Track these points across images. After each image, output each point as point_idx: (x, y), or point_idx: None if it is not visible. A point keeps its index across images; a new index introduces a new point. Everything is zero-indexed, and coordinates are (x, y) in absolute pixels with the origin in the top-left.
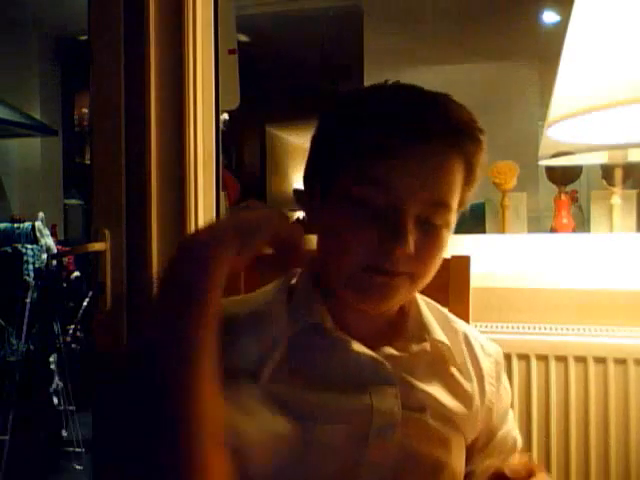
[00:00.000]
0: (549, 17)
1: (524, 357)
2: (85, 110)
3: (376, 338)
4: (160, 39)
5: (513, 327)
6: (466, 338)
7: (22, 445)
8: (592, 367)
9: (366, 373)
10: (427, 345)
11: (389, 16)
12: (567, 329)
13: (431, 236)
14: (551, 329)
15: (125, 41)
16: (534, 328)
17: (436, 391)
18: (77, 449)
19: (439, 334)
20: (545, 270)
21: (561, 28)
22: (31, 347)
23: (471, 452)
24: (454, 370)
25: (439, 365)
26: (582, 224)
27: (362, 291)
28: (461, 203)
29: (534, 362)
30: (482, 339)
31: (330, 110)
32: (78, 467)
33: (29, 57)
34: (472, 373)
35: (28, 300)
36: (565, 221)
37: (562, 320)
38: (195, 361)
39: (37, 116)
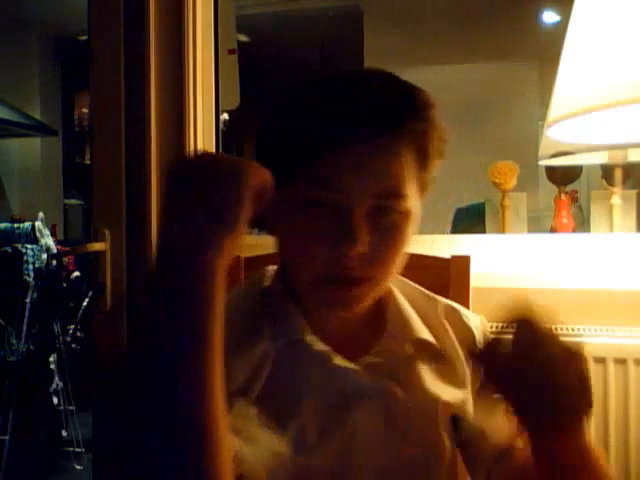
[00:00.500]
0: (549, 17)
1: None
2: (85, 110)
3: (358, 343)
4: (160, 39)
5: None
6: (447, 311)
7: (22, 445)
8: (592, 367)
9: (348, 387)
10: (409, 346)
11: (389, 16)
12: (567, 329)
13: (389, 230)
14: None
15: (125, 41)
16: None
17: (425, 389)
18: (77, 449)
19: (421, 332)
20: (545, 270)
21: (561, 28)
22: (31, 347)
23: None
24: (441, 360)
25: (425, 361)
26: (582, 224)
27: (326, 305)
28: (422, 187)
29: None
30: (464, 310)
31: (268, 108)
32: (78, 467)
33: (29, 57)
34: (459, 350)
35: (28, 300)
36: (565, 221)
37: (562, 320)
38: (203, 355)
39: (37, 116)
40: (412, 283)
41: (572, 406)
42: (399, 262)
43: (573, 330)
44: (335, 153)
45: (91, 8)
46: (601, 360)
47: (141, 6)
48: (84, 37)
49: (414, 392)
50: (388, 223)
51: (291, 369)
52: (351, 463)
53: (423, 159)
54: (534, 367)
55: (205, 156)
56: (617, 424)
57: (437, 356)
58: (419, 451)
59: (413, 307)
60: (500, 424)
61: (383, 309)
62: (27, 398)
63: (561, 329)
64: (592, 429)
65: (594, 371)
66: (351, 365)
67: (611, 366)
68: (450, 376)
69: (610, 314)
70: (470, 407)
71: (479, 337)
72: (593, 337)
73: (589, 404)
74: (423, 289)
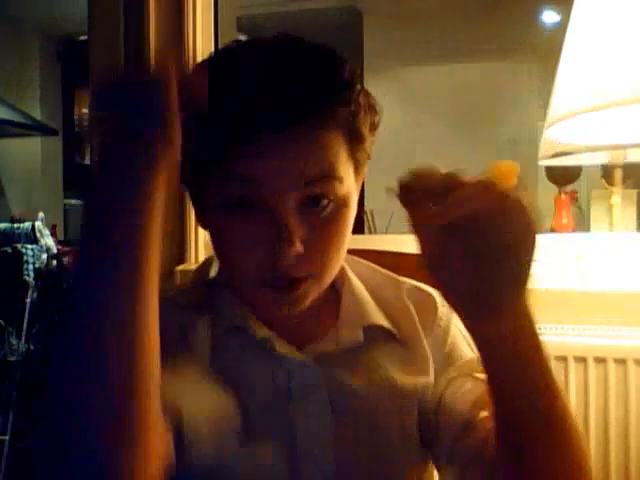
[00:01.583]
0: (549, 17)
1: None
2: (85, 110)
3: (307, 330)
4: (160, 39)
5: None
6: (412, 293)
7: (22, 445)
8: (592, 367)
9: (291, 377)
10: (360, 335)
11: (389, 16)
12: (567, 329)
13: (327, 222)
14: (551, 329)
15: (125, 41)
16: None
17: (380, 377)
18: None
19: (375, 317)
20: (545, 270)
21: (561, 28)
22: (31, 347)
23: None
24: (398, 346)
25: (380, 348)
26: (582, 224)
27: (269, 307)
28: (357, 168)
29: None
30: (433, 291)
31: None
32: None
33: (29, 57)
34: (421, 333)
35: (28, 300)
36: (565, 221)
37: (562, 320)
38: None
39: (37, 116)
40: (375, 266)
41: (512, 287)
42: (343, 253)
43: (573, 330)
44: (248, 143)
45: (91, 8)
46: (601, 360)
47: (141, 6)
48: (84, 37)
49: (367, 381)
50: (325, 213)
51: (231, 357)
52: (297, 458)
53: (355, 137)
54: (483, 245)
55: (130, 72)
56: (617, 424)
57: (393, 342)
58: (375, 449)
59: (372, 291)
60: (470, 390)
61: (337, 295)
62: (27, 398)
63: (561, 329)
64: (592, 429)
65: (594, 371)
66: (296, 353)
67: (611, 366)
68: (409, 362)
69: (610, 314)
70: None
71: (440, 315)
72: (593, 337)
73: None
74: (389, 272)
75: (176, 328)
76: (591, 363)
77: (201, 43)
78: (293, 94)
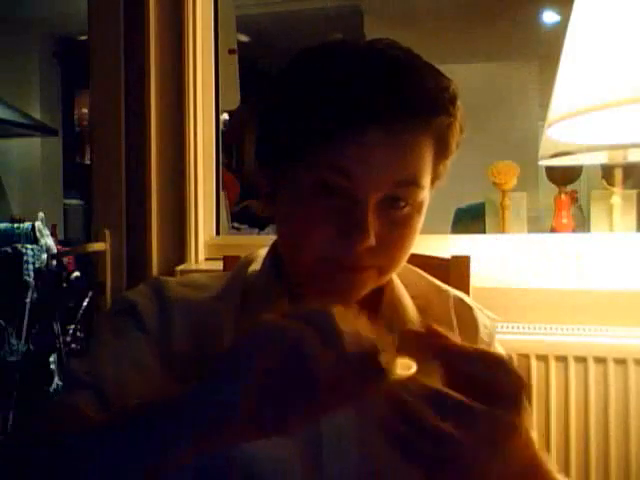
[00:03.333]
0: (549, 17)
1: (524, 357)
2: (85, 110)
3: None
4: (160, 39)
5: (513, 327)
6: (458, 304)
7: None
8: (592, 367)
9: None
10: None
11: (389, 16)
12: (567, 329)
13: (401, 223)
14: (551, 329)
15: (125, 41)
16: (534, 328)
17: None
18: None
19: (413, 323)
20: (545, 270)
21: (561, 28)
22: (31, 347)
23: None
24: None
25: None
26: (582, 224)
27: (323, 288)
28: (435, 179)
29: (534, 362)
30: (477, 306)
31: (279, 75)
32: None
33: (29, 57)
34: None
35: (28, 300)
36: (565, 221)
37: (562, 320)
38: None
39: (37, 116)
40: (421, 272)
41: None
42: (406, 255)
43: (573, 330)
44: (352, 136)
45: (91, 8)
46: (601, 360)
47: (141, 6)
48: (84, 37)
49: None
50: (400, 215)
51: None
52: (322, 456)
53: (443, 150)
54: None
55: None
56: (617, 424)
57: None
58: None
59: (415, 297)
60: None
61: (379, 299)
62: (27, 398)
63: (561, 329)
64: (592, 429)
65: (594, 371)
66: None
67: (611, 366)
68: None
69: (610, 314)
70: None
71: (482, 336)
72: (593, 337)
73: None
74: (434, 279)
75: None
76: (591, 363)
77: (201, 43)
78: (407, 96)
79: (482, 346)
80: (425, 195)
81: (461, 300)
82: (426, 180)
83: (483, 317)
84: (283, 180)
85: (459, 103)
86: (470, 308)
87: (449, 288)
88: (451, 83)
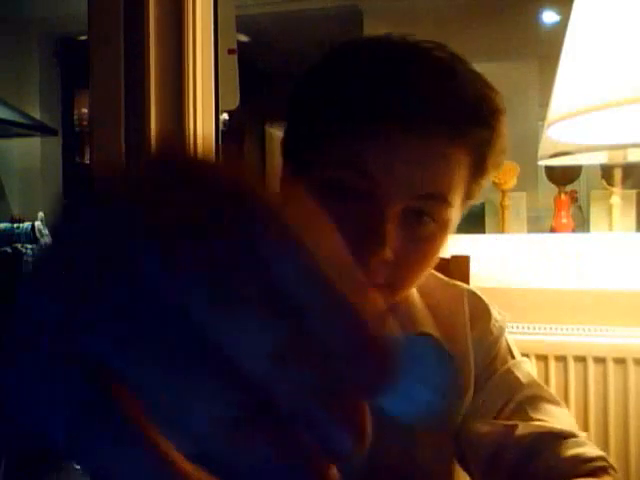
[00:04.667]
0: (549, 17)
1: (524, 357)
2: (85, 110)
3: None
4: (160, 39)
5: (513, 327)
6: (471, 298)
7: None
8: (592, 367)
9: None
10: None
11: (389, 16)
12: (567, 329)
13: (420, 238)
14: (551, 329)
15: (125, 41)
16: (534, 328)
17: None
18: None
19: (425, 325)
20: (545, 270)
21: (561, 28)
22: None
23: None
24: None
25: None
26: (582, 224)
27: None
28: (468, 197)
29: (534, 362)
30: (487, 300)
31: (311, 69)
32: (78, 467)
33: (29, 57)
34: (470, 345)
35: None
36: (565, 221)
37: (562, 320)
38: None
39: (37, 116)
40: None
41: None
42: (424, 275)
43: (573, 330)
44: (379, 137)
45: (91, 8)
46: (601, 360)
47: (141, 6)
48: (84, 37)
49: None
50: (423, 232)
51: None
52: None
53: (479, 168)
54: None
55: None
56: (617, 424)
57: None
58: (409, 452)
59: (425, 296)
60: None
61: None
62: None
63: (561, 329)
64: (592, 428)
65: (594, 371)
66: None
67: (611, 366)
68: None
69: (610, 314)
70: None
71: (492, 328)
72: (593, 337)
73: None
74: (442, 275)
75: None
76: (591, 362)
77: (201, 43)
78: (442, 103)
79: (490, 338)
80: (453, 214)
81: (474, 293)
82: (456, 197)
83: (494, 312)
84: (299, 175)
85: (503, 118)
86: (483, 300)
87: (458, 282)
88: (496, 95)
